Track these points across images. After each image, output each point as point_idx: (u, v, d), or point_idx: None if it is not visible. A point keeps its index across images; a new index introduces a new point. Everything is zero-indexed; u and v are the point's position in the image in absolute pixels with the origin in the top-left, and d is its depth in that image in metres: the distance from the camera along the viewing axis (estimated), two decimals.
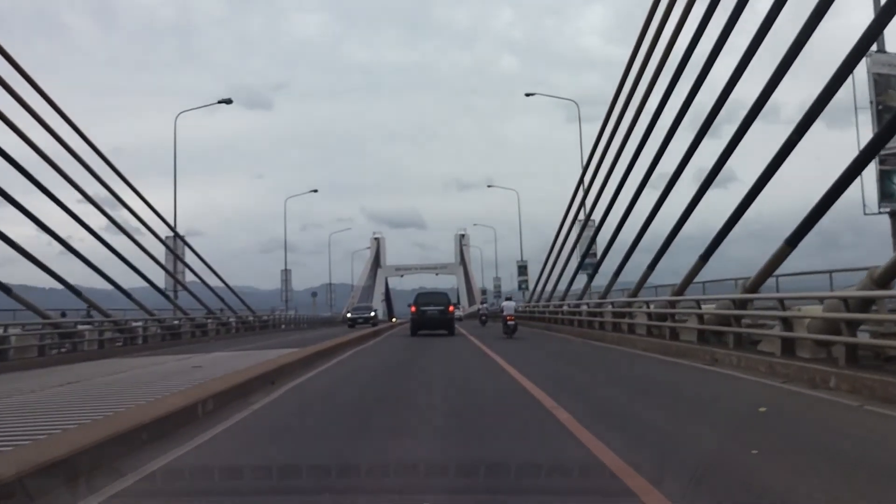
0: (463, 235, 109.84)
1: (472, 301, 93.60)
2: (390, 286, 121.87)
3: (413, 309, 28.22)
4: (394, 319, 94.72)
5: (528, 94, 39.38)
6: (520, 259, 62.36)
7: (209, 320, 33.75)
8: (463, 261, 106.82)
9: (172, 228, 33.89)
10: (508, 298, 29.93)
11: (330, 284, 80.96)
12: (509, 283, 79.88)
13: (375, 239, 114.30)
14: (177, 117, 36.53)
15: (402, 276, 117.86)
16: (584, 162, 29.84)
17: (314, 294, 76.08)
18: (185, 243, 35.57)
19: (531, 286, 47.25)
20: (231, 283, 41.42)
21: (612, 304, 22.27)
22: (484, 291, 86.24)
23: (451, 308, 28.58)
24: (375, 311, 51.43)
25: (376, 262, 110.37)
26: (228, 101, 36.84)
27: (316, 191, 77.26)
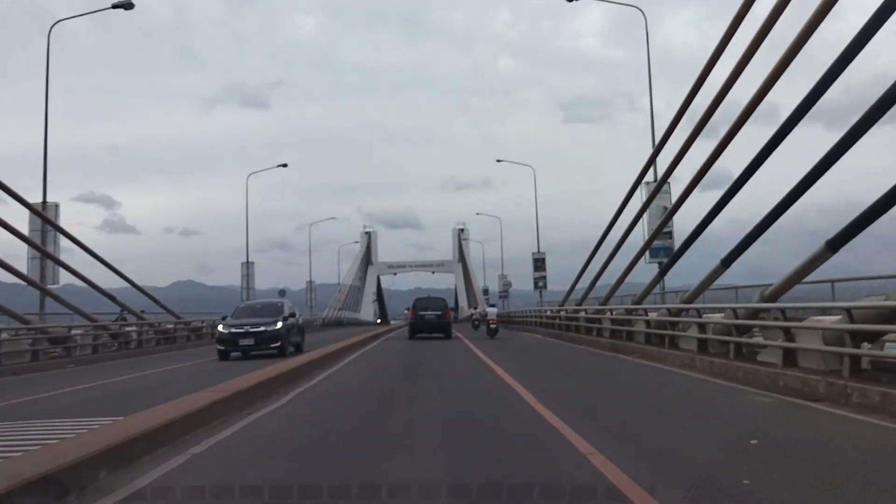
0: (462, 230, 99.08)
1: (472, 302, 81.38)
2: (383, 286, 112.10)
3: (411, 313, 29.67)
4: (390, 322, 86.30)
5: None
6: (536, 251, 50.03)
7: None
8: (462, 257, 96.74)
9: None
10: (492, 305, 38.20)
11: (310, 282, 70.59)
12: (520, 282, 68.18)
13: (366, 233, 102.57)
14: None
15: (395, 273, 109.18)
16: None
17: (282, 292, 52.00)
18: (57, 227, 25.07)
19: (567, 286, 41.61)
20: (228, 284, 39.80)
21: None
22: (486, 291, 79.17)
23: (448, 313, 30.04)
24: (294, 317, 21.34)
25: (367, 258, 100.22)
26: (129, 6, 26.39)
27: (285, 165, 57.94)
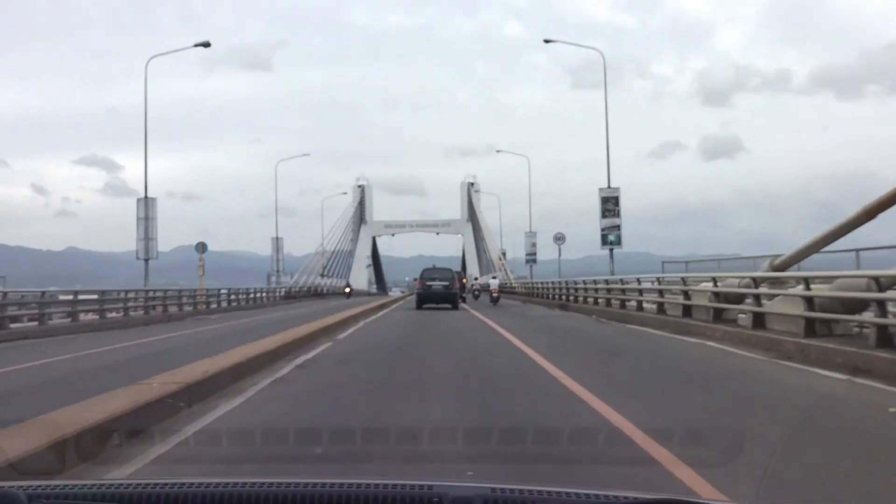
0: (472, 184, 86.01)
1: (485, 269, 72.48)
2: (380, 252, 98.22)
3: (419, 284, 30.81)
4: (391, 292, 78.05)
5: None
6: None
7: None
8: (472, 216, 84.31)
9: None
10: (494, 277, 42.25)
11: (276, 238, 60.48)
12: (514, 252, 67.51)
13: (359, 186, 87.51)
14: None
15: (393, 234, 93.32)
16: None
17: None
18: None
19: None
20: (231, 249, 39.93)
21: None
22: (504, 254, 68.46)
23: (455, 283, 31.05)
24: None
25: (360, 216, 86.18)
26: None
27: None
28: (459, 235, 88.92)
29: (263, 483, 1.70)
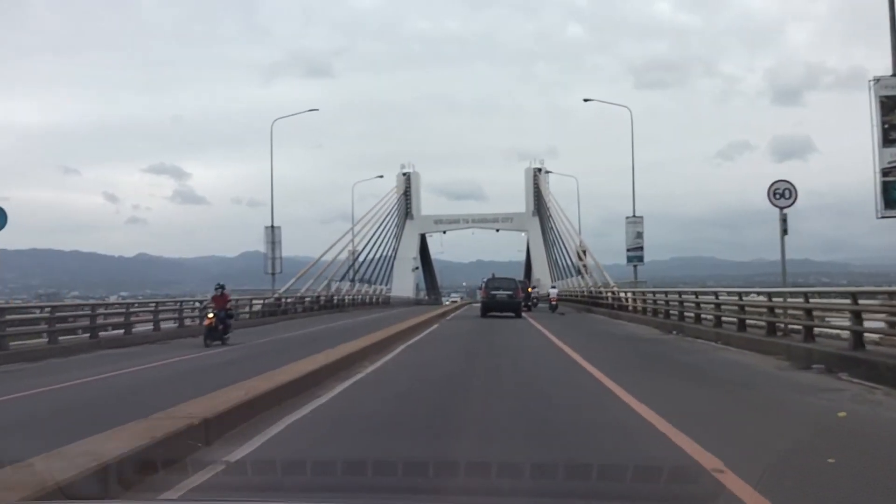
0: (539, 169, 71.61)
1: (561, 272, 59.81)
2: (431, 254, 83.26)
3: (483, 293, 33.05)
4: (452, 300, 69.35)
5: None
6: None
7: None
8: (540, 208, 70.26)
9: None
10: (553, 287, 43.43)
11: (272, 227, 42.94)
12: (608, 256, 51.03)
13: (404, 174, 73.48)
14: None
15: (444, 232, 78.18)
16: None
17: None
18: None
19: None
20: (294, 254, 40.28)
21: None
22: (584, 252, 49.89)
23: (518, 292, 32.59)
24: None
25: (405, 209, 73.02)
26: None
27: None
28: (523, 234, 76.41)
29: None
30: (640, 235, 36.09)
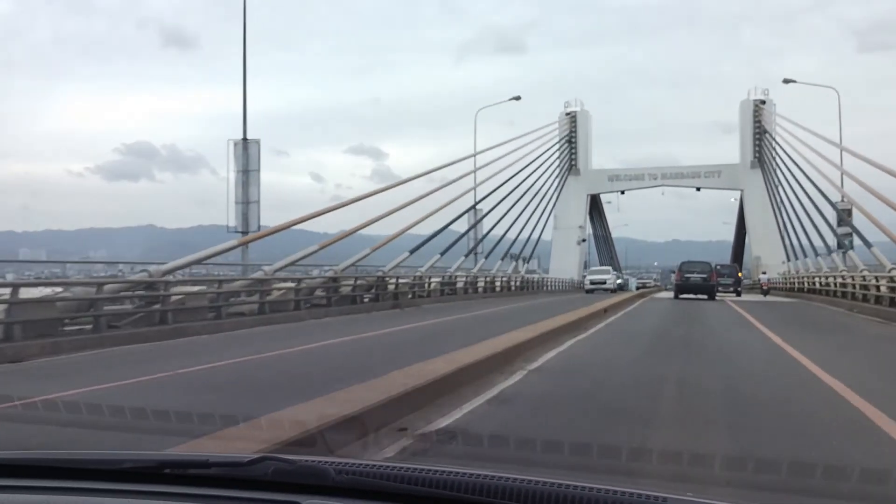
0: (763, 101, 51.52)
1: (790, 254, 43.56)
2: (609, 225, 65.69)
3: (677, 276, 33.09)
4: (644, 287, 53.28)
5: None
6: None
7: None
8: (762, 158, 50.92)
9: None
10: (764, 273, 43.63)
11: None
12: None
13: (568, 114, 55.35)
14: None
15: (622, 192, 58.57)
16: None
17: None
18: None
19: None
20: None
21: None
22: (846, 215, 34.94)
23: (713, 276, 32.63)
24: None
25: (568, 161, 54.97)
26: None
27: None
28: (733, 198, 58.95)
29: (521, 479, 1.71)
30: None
